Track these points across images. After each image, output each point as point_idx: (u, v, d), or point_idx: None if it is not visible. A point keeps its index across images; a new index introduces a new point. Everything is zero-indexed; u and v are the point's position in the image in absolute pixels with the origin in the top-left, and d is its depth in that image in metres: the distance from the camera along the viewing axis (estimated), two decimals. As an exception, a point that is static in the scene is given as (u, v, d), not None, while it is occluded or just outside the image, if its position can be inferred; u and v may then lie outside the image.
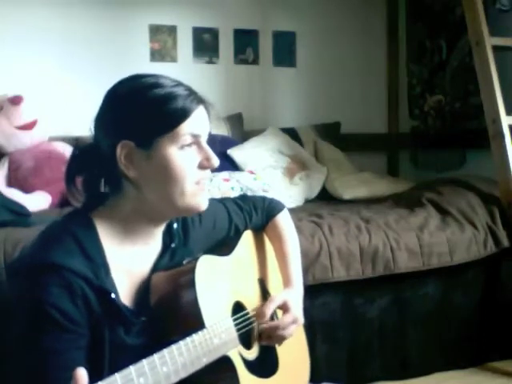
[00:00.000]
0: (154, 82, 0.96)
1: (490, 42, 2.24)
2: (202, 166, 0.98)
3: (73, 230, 0.93)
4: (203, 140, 0.99)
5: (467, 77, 2.83)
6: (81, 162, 1.00)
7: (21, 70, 2.77)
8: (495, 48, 2.26)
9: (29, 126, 2.57)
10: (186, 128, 0.95)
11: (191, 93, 0.98)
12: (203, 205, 1.00)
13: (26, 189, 2.42)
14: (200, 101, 0.99)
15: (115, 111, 0.97)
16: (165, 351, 0.84)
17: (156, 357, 0.82)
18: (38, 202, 2.36)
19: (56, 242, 0.91)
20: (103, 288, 0.90)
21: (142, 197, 0.97)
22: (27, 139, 2.57)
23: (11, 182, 2.50)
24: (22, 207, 2.05)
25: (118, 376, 0.74)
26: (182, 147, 0.95)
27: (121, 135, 0.94)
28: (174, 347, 0.86)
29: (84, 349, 0.89)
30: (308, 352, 1.37)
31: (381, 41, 3.48)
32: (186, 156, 0.96)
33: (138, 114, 0.94)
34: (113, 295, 0.91)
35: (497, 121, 2.20)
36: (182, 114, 0.95)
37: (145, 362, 0.79)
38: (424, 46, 3.21)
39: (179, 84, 0.99)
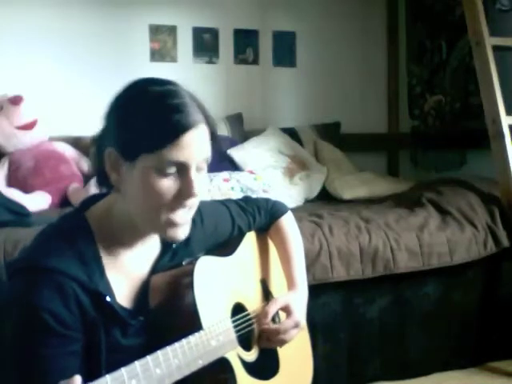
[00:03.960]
0: (163, 91, 0.90)
1: (489, 42, 2.24)
2: (178, 197, 0.91)
3: (67, 232, 0.92)
4: (191, 168, 0.90)
5: (467, 77, 2.83)
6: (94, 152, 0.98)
7: (21, 70, 2.77)
8: (495, 48, 2.26)
9: (29, 126, 2.57)
10: (172, 153, 0.87)
11: (196, 111, 0.91)
12: (178, 237, 0.95)
13: (26, 189, 2.42)
14: (201, 122, 0.91)
15: (111, 116, 0.94)
16: (159, 353, 0.83)
17: (149, 358, 0.80)
18: (37, 202, 2.36)
19: (50, 245, 0.90)
20: (97, 291, 0.89)
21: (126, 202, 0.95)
22: (27, 139, 2.57)
23: (11, 182, 2.50)
24: (22, 207, 2.05)
25: (108, 378, 0.73)
26: (161, 172, 0.88)
27: (110, 141, 0.92)
28: (168, 349, 0.85)
29: (78, 353, 0.88)
30: (311, 353, 1.37)
31: (381, 41, 3.48)
32: (164, 184, 0.89)
33: (128, 124, 0.90)
34: (108, 298, 0.90)
35: (497, 121, 2.19)
36: (168, 138, 0.87)
37: (137, 363, 0.78)
38: (424, 46, 3.20)
39: (189, 99, 0.91)
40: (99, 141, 0.95)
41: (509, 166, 2.15)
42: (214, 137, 0.95)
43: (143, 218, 0.93)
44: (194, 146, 0.90)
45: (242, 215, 1.28)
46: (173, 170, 0.89)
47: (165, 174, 0.89)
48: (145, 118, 0.88)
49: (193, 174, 0.91)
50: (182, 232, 0.95)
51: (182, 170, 0.90)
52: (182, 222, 0.94)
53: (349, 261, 1.95)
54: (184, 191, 0.90)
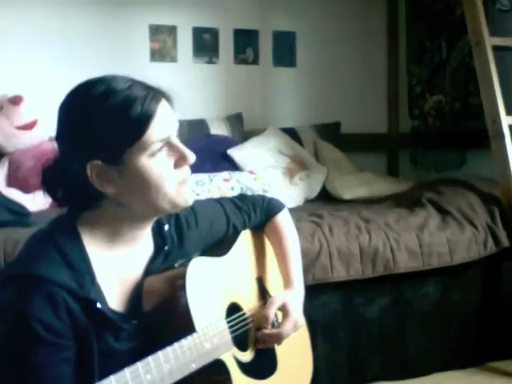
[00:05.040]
0: (106, 90, 0.92)
1: (489, 41, 2.24)
2: (178, 166, 0.95)
3: (56, 239, 0.91)
4: (173, 138, 0.95)
5: (467, 77, 2.83)
6: (52, 181, 0.97)
7: (21, 70, 2.77)
8: (495, 48, 2.26)
9: (29, 126, 2.57)
10: (152, 135, 0.90)
11: (148, 91, 0.92)
12: (189, 200, 0.98)
13: (26, 189, 2.42)
14: (159, 97, 0.94)
15: (74, 131, 0.92)
16: (149, 358, 0.82)
17: (139, 365, 0.80)
18: (37, 202, 2.35)
19: (39, 254, 0.89)
20: (87, 298, 0.88)
21: (124, 206, 0.94)
22: (27, 139, 2.57)
23: (11, 182, 2.50)
24: (22, 207, 2.05)
25: None
26: (153, 154, 0.91)
27: (87, 156, 0.90)
28: (160, 354, 0.84)
29: (71, 360, 0.87)
30: (311, 351, 1.37)
31: (381, 41, 3.48)
32: (159, 162, 0.92)
33: (99, 131, 0.89)
34: (98, 304, 0.89)
35: (497, 121, 2.19)
36: (144, 122, 0.90)
37: (127, 370, 0.78)
38: (424, 46, 3.20)
39: (133, 83, 0.93)
40: (69, 161, 0.93)
41: (509, 166, 2.15)
42: (170, 100, 0.98)
43: (154, 204, 0.94)
44: (168, 117, 0.94)
45: (237, 213, 1.27)
46: (158, 146, 0.92)
47: (155, 154, 0.92)
48: (113, 116, 0.90)
49: (178, 142, 0.96)
50: (190, 196, 0.99)
51: (167, 143, 0.94)
52: (189, 187, 0.98)
53: (349, 261, 1.95)
54: (179, 159, 0.95)
